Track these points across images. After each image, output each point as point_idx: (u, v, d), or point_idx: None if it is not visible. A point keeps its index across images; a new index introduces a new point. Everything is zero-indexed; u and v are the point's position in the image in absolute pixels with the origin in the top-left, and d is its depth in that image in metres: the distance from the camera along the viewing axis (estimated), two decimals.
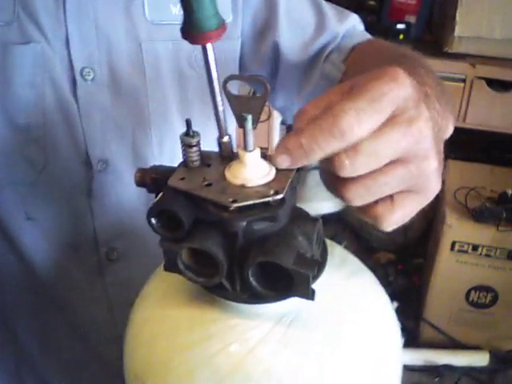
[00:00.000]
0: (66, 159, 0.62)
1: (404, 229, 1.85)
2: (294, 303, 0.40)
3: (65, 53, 0.59)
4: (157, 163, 0.43)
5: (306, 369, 0.38)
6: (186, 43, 0.66)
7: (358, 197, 0.37)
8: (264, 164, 0.38)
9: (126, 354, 0.44)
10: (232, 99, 0.38)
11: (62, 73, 0.60)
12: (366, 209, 0.38)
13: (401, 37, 1.68)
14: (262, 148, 0.38)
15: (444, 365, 1.58)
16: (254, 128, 0.38)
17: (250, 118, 0.36)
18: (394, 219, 0.38)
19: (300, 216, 0.40)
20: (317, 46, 0.71)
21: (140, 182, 0.42)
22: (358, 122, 0.34)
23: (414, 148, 0.36)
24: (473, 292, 1.62)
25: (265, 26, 0.72)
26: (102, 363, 0.74)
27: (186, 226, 0.37)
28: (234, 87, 0.73)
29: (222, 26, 0.37)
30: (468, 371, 1.58)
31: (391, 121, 0.35)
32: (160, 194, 0.38)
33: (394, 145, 0.35)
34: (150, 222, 0.37)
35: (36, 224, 0.65)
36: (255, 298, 0.39)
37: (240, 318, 0.40)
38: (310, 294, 0.37)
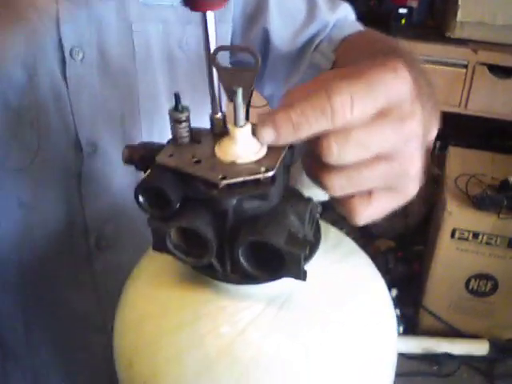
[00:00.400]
0: (57, 142, 0.61)
1: (404, 216, 1.84)
2: (285, 285, 0.39)
3: (55, 32, 0.58)
4: None
5: (294, 354, 0.37)
6: (176, 26, 0.65)
7: (339, 187, 0.36)
8: (255, 140, 0.37)
9: (115, 336, 0.43)
10: (222, 71, 0.37)
11: (52, 52, 0.59)
12: (342, 200, 0.38)
13: (402, 21, 1.66)
14: (253, 124, 0.37)
15: (443, 353, 1.57)
16: (246, 102, 0.37)
17: (240, 91, 0.35)
18: (367, 214, 0.38)
19: (293, 195, 0.39)
20: (307, 34, 0.71)
21: (128, 159, 0.41)
22: (351, 103, 0.34)
23: (402, 146, 0.36)
24: (473, 280, 1.61)
25: (255, 12, 0.71)
26: (90, 352, 0.73)
27: (174, 204, 0.36)
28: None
29: None
30: (467, 360, 1.58)
31: (385, 114, 0.35)
32: (148, 171, 0.37)
33: (384, 139, 0.35)
34: (137, 200, 0.36)
35: (27, 210, 0.64)
36: (246, 278, 0.38)
37: (231, 299, 0.39)
38: (301, 275, 0.36)
